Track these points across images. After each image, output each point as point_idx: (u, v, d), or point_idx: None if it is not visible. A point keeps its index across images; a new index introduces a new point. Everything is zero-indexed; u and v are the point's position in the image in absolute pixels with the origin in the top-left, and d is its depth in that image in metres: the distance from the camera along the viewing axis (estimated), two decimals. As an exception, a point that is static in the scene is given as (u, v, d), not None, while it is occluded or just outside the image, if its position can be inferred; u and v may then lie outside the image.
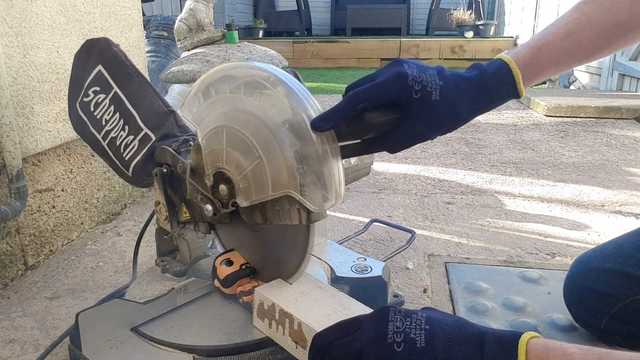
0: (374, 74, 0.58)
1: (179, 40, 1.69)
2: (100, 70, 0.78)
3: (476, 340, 0.48)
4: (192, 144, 0.74)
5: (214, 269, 0.71)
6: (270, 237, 0.68)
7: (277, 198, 0.60)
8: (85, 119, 0.80)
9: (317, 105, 0.57)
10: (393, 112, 0.56)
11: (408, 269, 1.07)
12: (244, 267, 0.70)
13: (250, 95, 0.59)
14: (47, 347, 0.80)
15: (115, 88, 0.77)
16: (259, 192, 0.61)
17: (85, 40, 0.81)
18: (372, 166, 1.21)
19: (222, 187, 0.65)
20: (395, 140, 0.58)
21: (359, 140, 0.59)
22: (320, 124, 0.54)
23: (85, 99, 0.79)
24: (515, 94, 0.59)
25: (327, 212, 0.60)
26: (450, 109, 0.56)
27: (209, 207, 0.67)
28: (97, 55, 0.79)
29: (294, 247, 0.65)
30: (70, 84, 0.82)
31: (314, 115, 0.55)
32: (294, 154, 0.56)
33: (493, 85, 0.58)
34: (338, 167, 0.57)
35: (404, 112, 0.55)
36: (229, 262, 0.70)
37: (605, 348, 0.43)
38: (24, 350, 0.82)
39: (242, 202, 0.63)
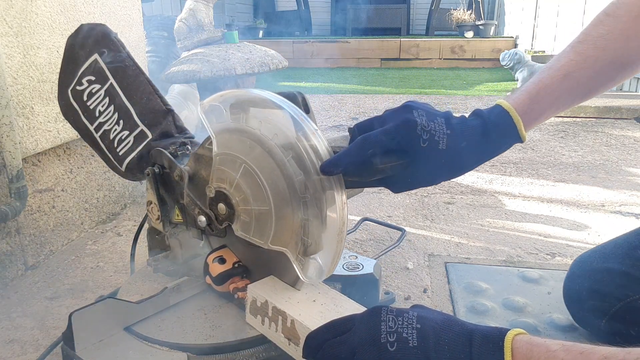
0: (384, 116, 0.59)
1: (179, 40, 1.69)
2: (96, 60, 0.75)
3: (465, 338, 0.48)
4: (189, 148, 0.73)
5: (206, 265, 0.70)
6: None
7: None
8: (77, 107, 0.77)
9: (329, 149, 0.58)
10: (400, 158, 0.57)
11: (408, 269, 1.07)
12: (236, 265, 0.70)
13: (285, 149, 0.58)
14: (47, 347, 0.80)
15: (111, 80, 0.74)
16: (258, 235, 0.62)
17: (80, 24, 0.77)
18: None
19: (222, 207, 0.64)
20: (399, 183, 0.59)
21: None
22: (330, 168, 0.55)
23: (78, 87, 0.76)
24: (518, 139, 0.61)
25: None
26: (456, 159, 0.57)
27: (202, 218, 0.67)
28: (93, 42, 0.75)
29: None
30: (61, 69, 0.78)
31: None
32: (302, 222, 0.57)
33: (496, 134, 0.59)
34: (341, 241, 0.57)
35: (410, 158, 0.56)
36: (222, 260, 0.70)
37: (590, 344, 0.44)
38: (24, 350, 0.82)
39: (238, 231, 0.63)
